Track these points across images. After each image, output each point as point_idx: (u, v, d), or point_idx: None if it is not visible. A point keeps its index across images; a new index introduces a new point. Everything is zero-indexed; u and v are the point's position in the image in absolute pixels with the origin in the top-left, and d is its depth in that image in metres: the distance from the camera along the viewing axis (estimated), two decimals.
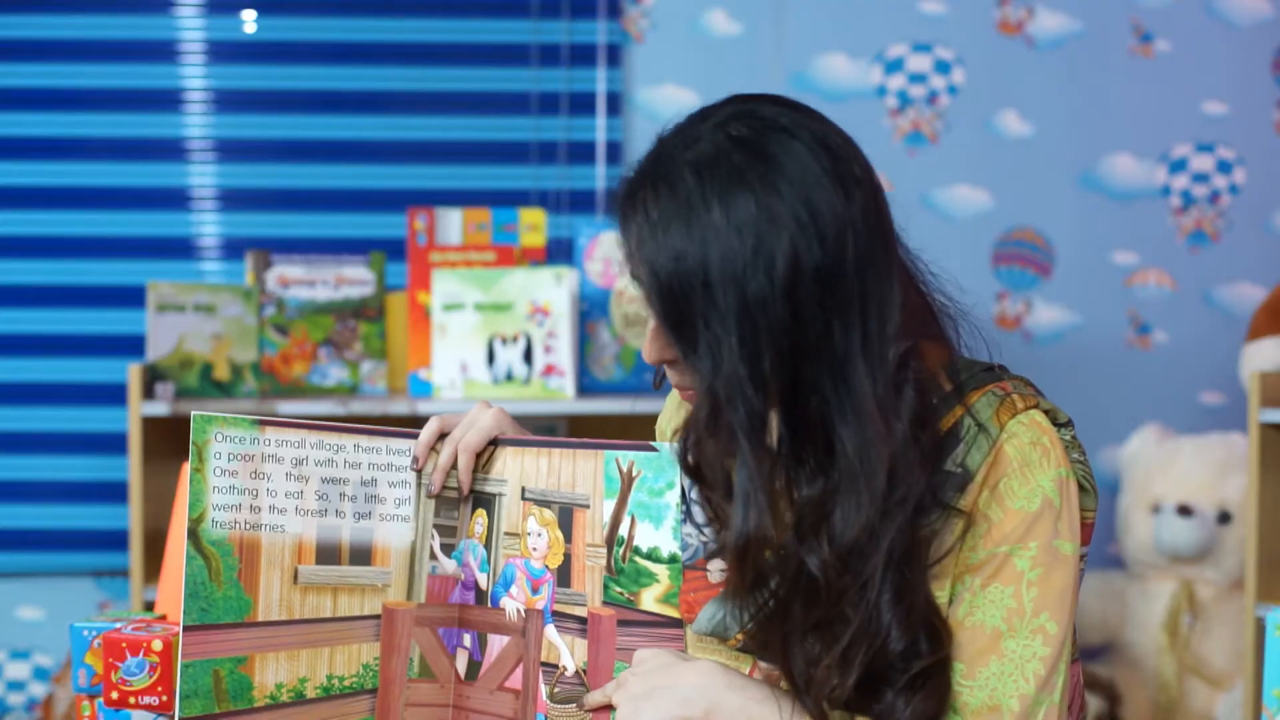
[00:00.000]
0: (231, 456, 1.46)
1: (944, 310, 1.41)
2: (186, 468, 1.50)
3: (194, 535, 1.44)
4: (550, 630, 1.48)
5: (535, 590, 1.48)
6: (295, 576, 1.47)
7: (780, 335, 1.27)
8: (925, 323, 1.38)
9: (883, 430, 1.29)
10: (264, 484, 1.47)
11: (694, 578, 1.43)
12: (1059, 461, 1.37)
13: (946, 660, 1.34)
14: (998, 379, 1.41)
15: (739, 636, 1.41)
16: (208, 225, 3.57)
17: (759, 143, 1.29)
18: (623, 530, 1.44)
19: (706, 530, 1.43)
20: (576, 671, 1.46)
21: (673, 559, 1.42)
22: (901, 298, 1.32)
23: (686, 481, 1.44)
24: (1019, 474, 1.36)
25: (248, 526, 1.46)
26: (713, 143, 1.29)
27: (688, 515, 1.44)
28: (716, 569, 1.42)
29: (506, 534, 1.50)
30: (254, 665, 1.46)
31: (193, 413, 1.46)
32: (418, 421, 3.13)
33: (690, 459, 1.35)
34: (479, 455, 1.52)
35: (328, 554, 1.49)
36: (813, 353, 1.28)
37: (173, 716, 1.46)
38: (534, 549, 1.48)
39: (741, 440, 1.29)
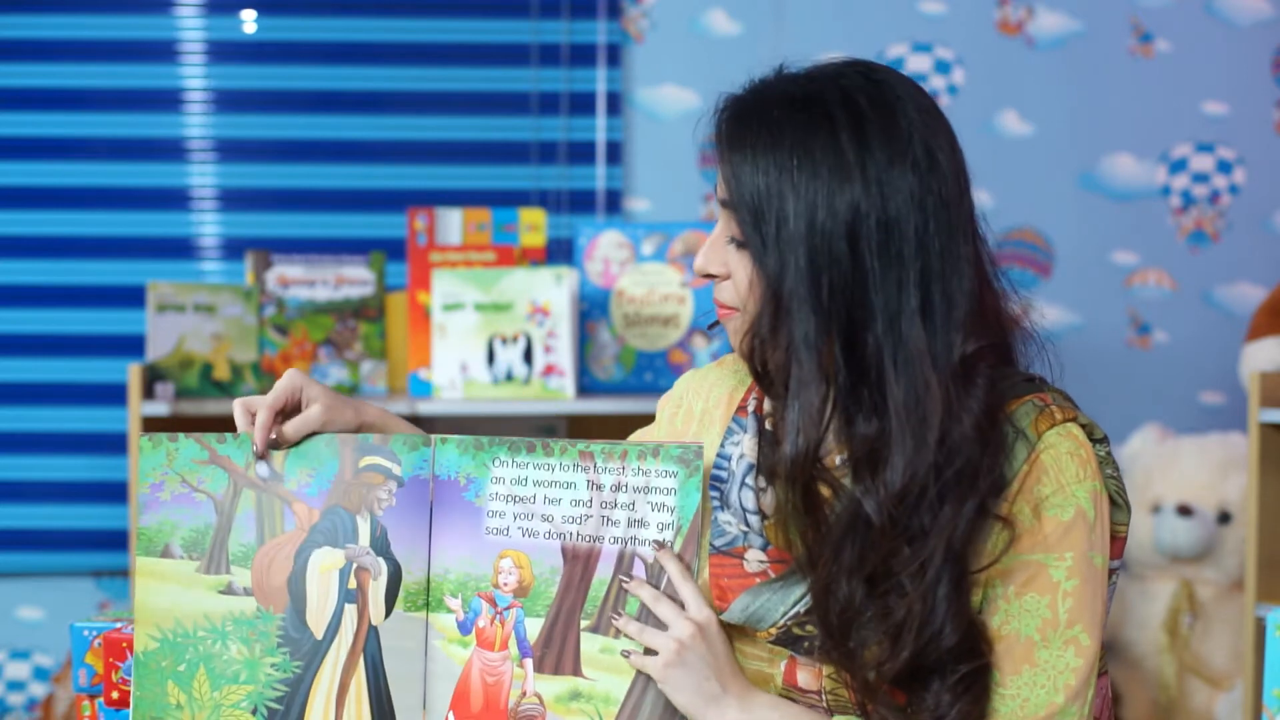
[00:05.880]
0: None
1: (1015, 323, 1.45)
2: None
3: None
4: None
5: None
6: None
7: (837, 269, 1.34)
8: (995, 330, 1.42)
9: (935, 390, 1.33)
10: None
11: (729, 564, 1.44)
12: (1094, 475, 1.39)
13: (989, 666, 1.36)
14: (1038, 390, 1.43)
15: (771, 630, 1.41)
16: (208, 225, 3.57)
17: (867, 99, 1.38)
18: None
19: (752, 519, 1.44)
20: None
21: None
22: (974, 294, 1.38)
23: (741, 465, 1.45)
24: (1055, 483, 1.37)
25: None
26: (822, 88, 1.39)
27: (724, 502, 1.46)
28: (754, 559, 1.43)
29: None
30: None
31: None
32: (418, 421, 3.13)
33: (755, 361, 1.39)
34: None
35: None
36: (869, 296, 1.34)
37: None
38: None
39: (798, 356, 1.34)
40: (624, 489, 1.43)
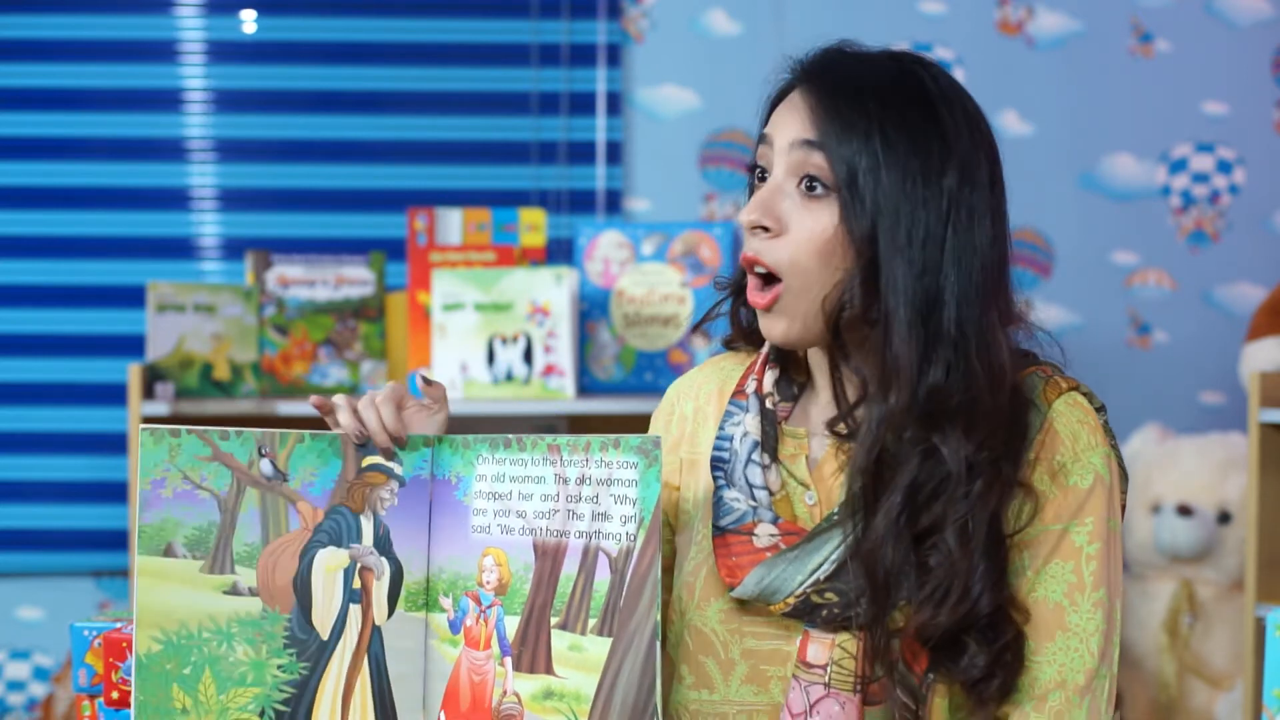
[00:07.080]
0: None
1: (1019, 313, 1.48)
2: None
3: None
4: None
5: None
6: None
7: (929, 231, 1.38)
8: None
9: (1003, 349, 1.39)
10: None
11: (738, 541, 1.44)
12: (1103, 441, 1.44)
13: (1022, 635, 1.39)
14: (1035, 362, 1.48)
15: (788, 601, 1.41)
16: (208, 225, 3.57)
17: (948, 80, 1.46)
18: None
19: (760, 494, 1.44)
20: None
21: None
22: (1006, 270, 1.44)
23: (745, 443, 1.46)
24: (1071, 452, 1.42)
25: None
26: (905, 62, 1.48)
27: (730, 480, 1.46)
28: (765, 533, 1.43)
29: None
30: None
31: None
32: None
33: (839, 317, 1.40)
34: None
35: None
36: (955, 256, 1.38)
37: None
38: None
39: (896, 312, 1.36)
40: (588, 481, 1.42)
